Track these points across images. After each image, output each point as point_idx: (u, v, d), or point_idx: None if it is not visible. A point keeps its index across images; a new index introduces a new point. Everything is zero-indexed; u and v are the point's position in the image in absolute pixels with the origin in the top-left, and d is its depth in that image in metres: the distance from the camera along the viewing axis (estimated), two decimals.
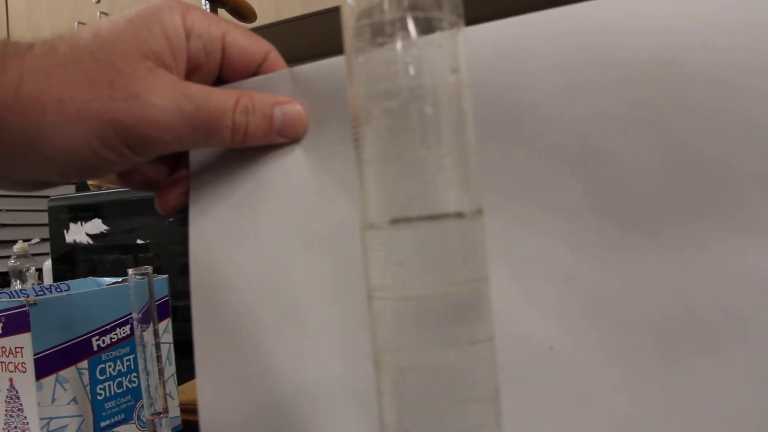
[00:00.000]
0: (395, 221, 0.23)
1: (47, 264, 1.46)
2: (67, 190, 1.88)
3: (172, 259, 1.15)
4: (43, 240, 1.61)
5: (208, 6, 1.57)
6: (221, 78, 0.42)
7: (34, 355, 0.55)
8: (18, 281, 1.48)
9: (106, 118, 0.35)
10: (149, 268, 0.52)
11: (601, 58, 0.31)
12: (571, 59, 0.31)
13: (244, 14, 0.99)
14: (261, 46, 0.42)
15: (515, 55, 0.32)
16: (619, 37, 0.30)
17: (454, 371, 0.24)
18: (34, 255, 1.51)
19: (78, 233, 1.24)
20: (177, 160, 0.45)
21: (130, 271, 0.52)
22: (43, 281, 1.50)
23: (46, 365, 0.56)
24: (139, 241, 1.18)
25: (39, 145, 0.35)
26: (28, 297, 0.56)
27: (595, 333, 0.31)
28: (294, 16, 1.49)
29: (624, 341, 0.31)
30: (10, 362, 0.56)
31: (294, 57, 1.64)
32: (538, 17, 0.32)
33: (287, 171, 0.39)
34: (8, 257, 1.53)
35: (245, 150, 0.40)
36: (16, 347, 0.56)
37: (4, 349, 0.56)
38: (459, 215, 0.23)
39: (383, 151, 0.23)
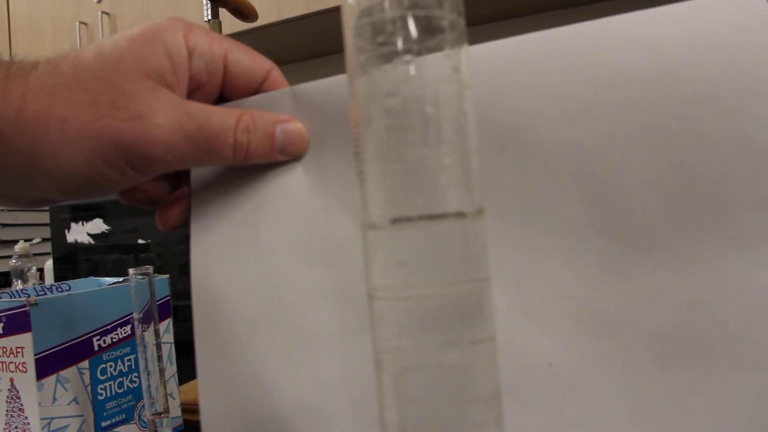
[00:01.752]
0: (396, 221, 0.23)
1: (48, 264, 1.46)
2: None
3: (173, 258, 1.15)
4: (44, 240, 1.61)
5: (209, 6, 1.57)
6: (223, 96, 0.42)
7: (35, 355, 0.55)
8: (19, 281, 1.48)
9: (108, 138, 0.35)
10: (150, 268, 0.52)
11: (601, 78, 0.31)
12: (572, 79, 0.31)
13: (246, 14, 0.99)
14: (262, 65, 0.42)
15: (517, 75, 0.32)
16: (619, 58, 0.30)
17: (455, 371, 0.24)
18: (35, 255, 1.51)
19: (79, 233, 1.24)
20: (178, 178, 0.45)
21: (131, 270, 0.52)
22: (44, 281, 1.50)
23: (46, 365, 0.56)
24: (140, 241, 1.18)
25: (42, 164, 0.35)
26: (29, 297, 0.56)
27: (593, 349, 0.31)
28: (296, 16, 1.49)
29: (623, 357, 0.31)
30: (11, 362, 0.56)
31: (296, 56, 1.64)
32: (539, 37, 0.32)
33: (288, 189, 0.40)
34: (10, 257, 1.53)
35: (246, 168, 0.40)
36: (17, 347, 0.56)
37: (5, 349, 0.56)
38: (460, 215, 0.23)
39: (384, 150, 0.23)
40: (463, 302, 0.24)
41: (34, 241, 1.53)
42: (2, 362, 0.57)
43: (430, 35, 0.24)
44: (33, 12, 1.98)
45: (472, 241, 0.24)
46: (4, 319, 0.56)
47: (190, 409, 0.69)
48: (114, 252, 1.22)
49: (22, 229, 1.69)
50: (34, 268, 1.49)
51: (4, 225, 1.64)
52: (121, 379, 0.62)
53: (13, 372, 0.56)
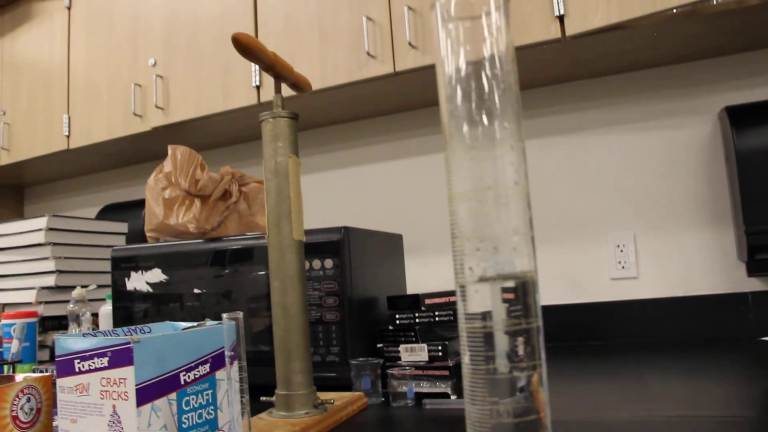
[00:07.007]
0: (482, 279, 0.32)
1: (103, 309, 1.57)
2: (126, 241, 2.00)
3: (212, 307, 1.24)
4: (99, 286, 1.71)
5: (257, 72, 1.71)
6: None
7: (136, 385, 0.64)
8: (75, 324, 1.58)
9: None
10: (240, 314, 0.62)
11: None
12: None
13: (301, 87, 1.11)
14: None
15: None
16: None
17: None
18: (90, 300, 1.61)
19: (138, 281, 1.34)
20: None
21: (225, 315, 0.61)
22: (98, 325, 1.60)
23: (144, 395, 0.65)
24: (195, 291, 1.28)
25: None
26: (132, 335, 0.65)
27: None
28: (338, 84, 1.62)
29: None
30: (114, 391, 0.65)
31: (339, 118, 1.78)
32: None
33: None
34: (67, 302, 1.63)
35: None
36: (119, 378, 0.65)
37: (109, 380, 0.66)
38: (524, 274, 0.33)
39: (470, 227, 0.33)
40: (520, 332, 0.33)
41: (90, 287, 1.64)
42: (106, 390, 0.66)
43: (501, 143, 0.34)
44: (91, 72, 2.13)
45: (531, 293, 0.33)
46: (110, 354, 0.66)
47: None
48: (163, 300, 1.32)
49: (78, 276, 1.80)
50: (89, 312, 1.59)
51: (61, 272, 1.76)
52: (200, 410, 0.71)
53: (115, 399, 0.65)
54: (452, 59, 0.34)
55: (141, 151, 2.29)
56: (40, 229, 1.77)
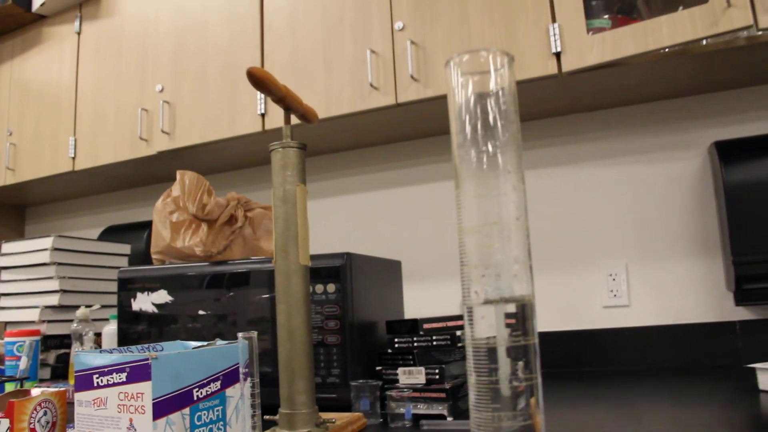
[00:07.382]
0: (486, 302, 0.36)
1: (107, 329, 1.60)
2: (135, 263, 2.03)
3: (210, 328, 1.28)
4: (103, 306, 1.75)
5: (263, 100, 1.76)
6: None
7: (153, 400, 0.68)
8: (78, 343, 1.61)
9: None
10: (254, 333, 0.66)
11: None
12: None
13: (308, 118, 1.16)
14: None
15: None
16: None
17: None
18: (93, 320, 1.64)
19: (144, 302, 1.38)
20: None
21: (240, 334, 0.65)
22: (101, 345, 1.63)
23: (160, 409, 0.69)
24: (200, 312, 1.32)
25: None
26: (149, 352, 0.69)
27: None
28: (341, 114, 1.67)
29: None
30: (131, 405, 0.69)
31: (341, 146, 1.83)
32: None
33: None
34: (71, 321, 1.66)
35: None
36: (137, 393, 0.69)
37: (126, 394, 0.69)
38: (523, 298, 0.37)
39: (477, 256, 0.37)
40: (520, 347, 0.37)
41: (94, 307, 1.67)
42: (124, 405, 0.70)
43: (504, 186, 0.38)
44: (98, 96, 2.18)
45: (530, 314, 0.37)
46: (128, 369, 0.69)
47: None
48: (169, 321, 1.36)
49: (81, 296, 1.83)
50: (92, 332, 1.62)
51: (65, 291, 1.79)
52: (211, 426, 0.75)
53: (132, 413, 0.69)
54: (464, 107, 0.38)
55: (145, 174, 2.33)
56: (46, 249, 1.81)
